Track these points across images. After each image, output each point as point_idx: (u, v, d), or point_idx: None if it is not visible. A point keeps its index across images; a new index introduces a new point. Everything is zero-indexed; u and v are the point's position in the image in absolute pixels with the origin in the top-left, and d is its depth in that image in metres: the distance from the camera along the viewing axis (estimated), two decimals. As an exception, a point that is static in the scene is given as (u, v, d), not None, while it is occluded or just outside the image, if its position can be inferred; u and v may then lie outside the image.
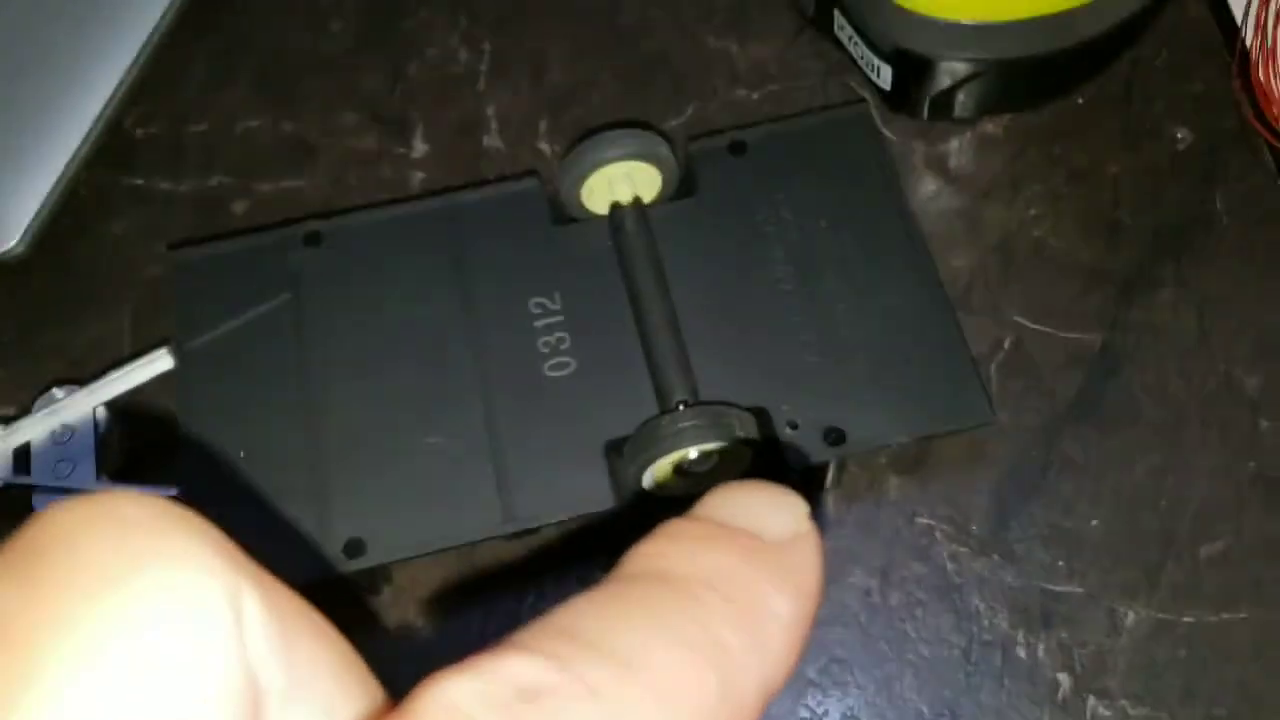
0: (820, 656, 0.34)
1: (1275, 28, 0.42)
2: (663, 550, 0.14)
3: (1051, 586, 0.35)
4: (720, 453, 0.33)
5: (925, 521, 0.36)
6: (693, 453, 0.32)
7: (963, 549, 0.35)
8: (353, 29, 0.45)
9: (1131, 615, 0.34)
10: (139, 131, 0.43)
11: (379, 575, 0.34)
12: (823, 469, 0.36)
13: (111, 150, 0.43)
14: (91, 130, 0.42)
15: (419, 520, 0.33)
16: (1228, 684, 0.33)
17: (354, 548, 0.32)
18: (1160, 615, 0.34)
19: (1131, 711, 0.33)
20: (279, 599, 0.11)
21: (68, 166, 0.41)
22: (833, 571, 0.35)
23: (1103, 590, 0.34)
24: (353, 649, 0.13)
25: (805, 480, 0.36)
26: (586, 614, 0.13)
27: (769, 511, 0.15)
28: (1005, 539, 0.35)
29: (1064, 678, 0.33)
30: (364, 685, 0.12)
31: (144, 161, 0.43)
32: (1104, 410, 0.37)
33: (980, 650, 0.34)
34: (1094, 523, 0.35)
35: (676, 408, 0.34)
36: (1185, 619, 0.34)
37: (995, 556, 0.35)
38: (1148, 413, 0.37)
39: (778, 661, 0.13)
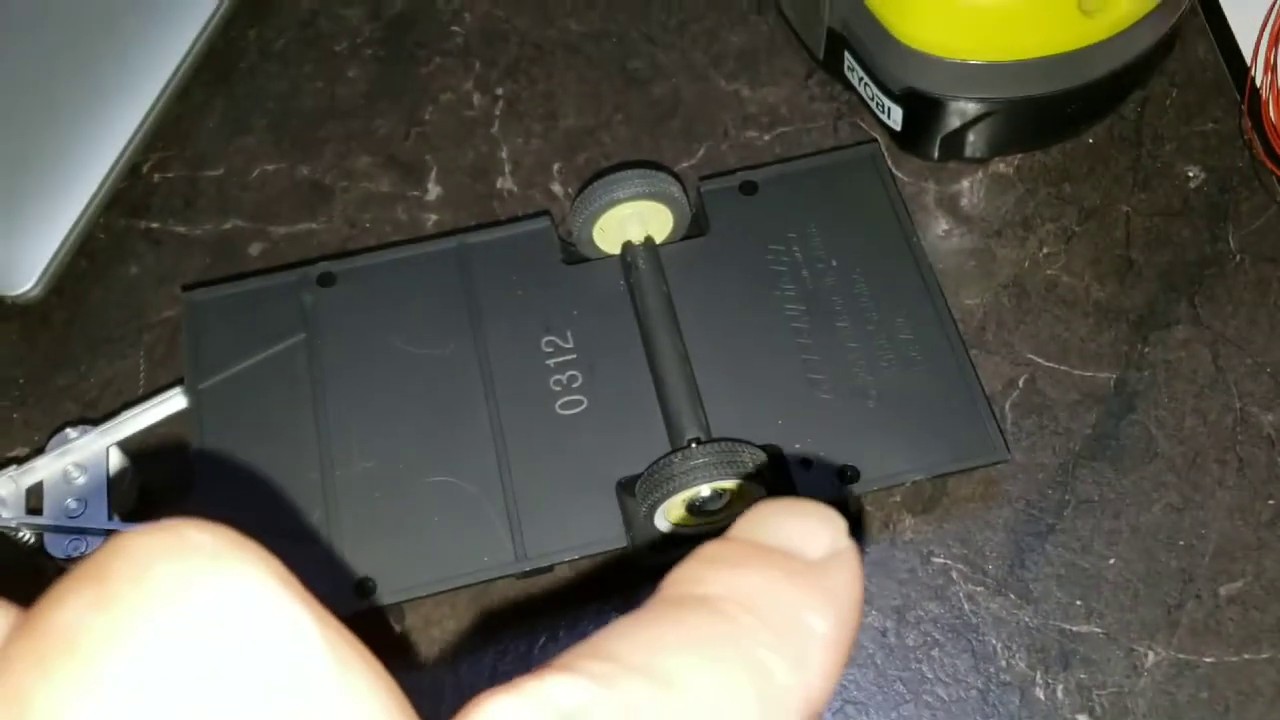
0: (835, 698, 0.33)
1: (1285, 67, 0.42)
2: (701, 574, 0.14)
3: (1069, 626, 0.34)
4: (733, 491, 0.33)
5: (941, 561, 0.35)
6: (705, 490, 0.32)
7: (979, 588, 0.35)
8: (368, 75, 0.46)
9: (1151, 655, 0.34)
10: (156, 176, 0.44)
11: (392, 615, 0.34)
12: (838, 508, 0.35)
13: (128, 195, 0.43)
14: (109, 175, 0.42)
15: (430, 559, 0.33)
16: (1251, 726, 0.33)
17: (365, 587, 0.32)
18: (1181, 655, 0.34)
19: (1153, 754, 0.32)
20: (333, 628, 0.12)
21: (85, 210, 0.42)
22: (847, 611, 0.35)
23: (1122, 630, 0.34)
24: (396, 683, 0.13)
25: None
26: (627, 636, 0.13)
27: (807, 530, 0.15)
28: (1022, 578, 0.35)
29: (1084, 719, 0.33)
30: (407, 714, 0.13)
31: (160, 206, 0.43)
32: (1120, 448, 0.37)
33: (998, 691, 0.33)
34: (1111, 561, 0.35)
35: (689, 446, 0.33)
36: (1206, 659, 0.33)
37: (1012, 596, 0.35)
38: (1164, 450, 0.36)
39: (819, 681, 0.13)
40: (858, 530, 0.36)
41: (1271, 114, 0.41)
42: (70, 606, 0.11)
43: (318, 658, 0.11)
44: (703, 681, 0.12)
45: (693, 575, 0.14)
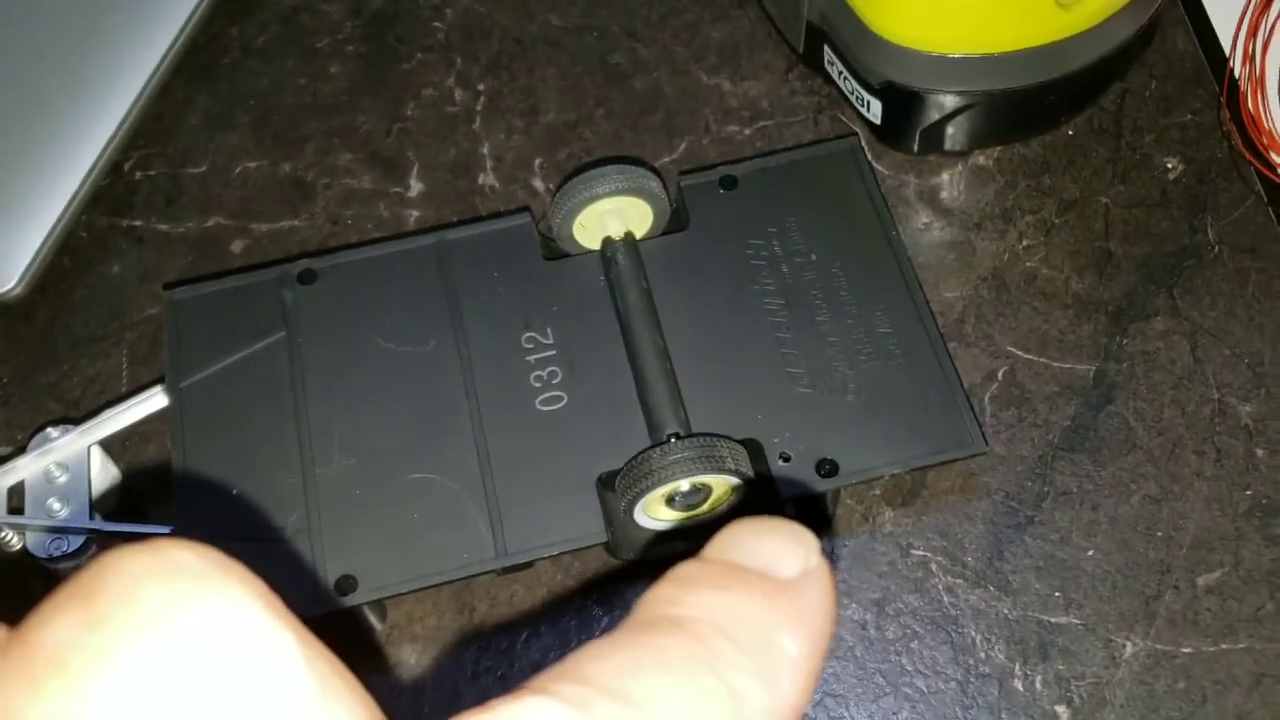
0: (816, 691, 0.34)
1: (1263, 57, 0.42)
2: (676, 596, 0.14)
3: (1048, 618, 0.34)
4: (712, 485, 0.33)
5: (920, 553, 0.35)
6: (684, 485, 0.32)
7: (958, 580, 0.35)
8: (350, 71, 0.46)
9: (1129, 646, 0.34)
10: (138, 174, 0.44)
11: (374, 611, 0.34)
12: (817, 501, 0.36)
13: (111, 193, 0.43)
14: (91, 173, 0.42)
15: (411, 555, 0.33)
16: (1227, 715, 0.33)
17: (345, 584, 0.32)
18: (1158, 646, 0.34)
19: (1131, 744, 0.33)
20: (315, 646, 0.12)
21: (67, 209, 0.42)
22: (827, 604, 0.35)
23: (1100, 621, 0.34)
24: (373, 700, 0.13)
25: (800, 512, 0.36)
26: (602, 659, 0.13)
27: (780, 549, 0.15)
28: (1001, 570, 0.35)
29: (1062, 710, 0.33)
30: None
31: (142, 204, 0.43)
32: (1098, 440, 0.37)
33: (977, 683, 0.34)
34: (1090, 553, 0.35)
35: (668, 440, 0.34)
36: (1184, 650, 0.34)
37: (991, 588, 0.35)
38: (1142, 442, 0.37)
39: (790, 702, 0.14)
40: (834, 525, 0.36)
41: (1250, 105, 0.41)
42: (60, 626, 0.11)
43: (299, 678, 0.12)
44: (676, 705, 0.13)
45: (668, 596, 0.14)
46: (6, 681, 0.11)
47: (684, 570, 0.15)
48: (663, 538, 0.34)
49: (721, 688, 0.13)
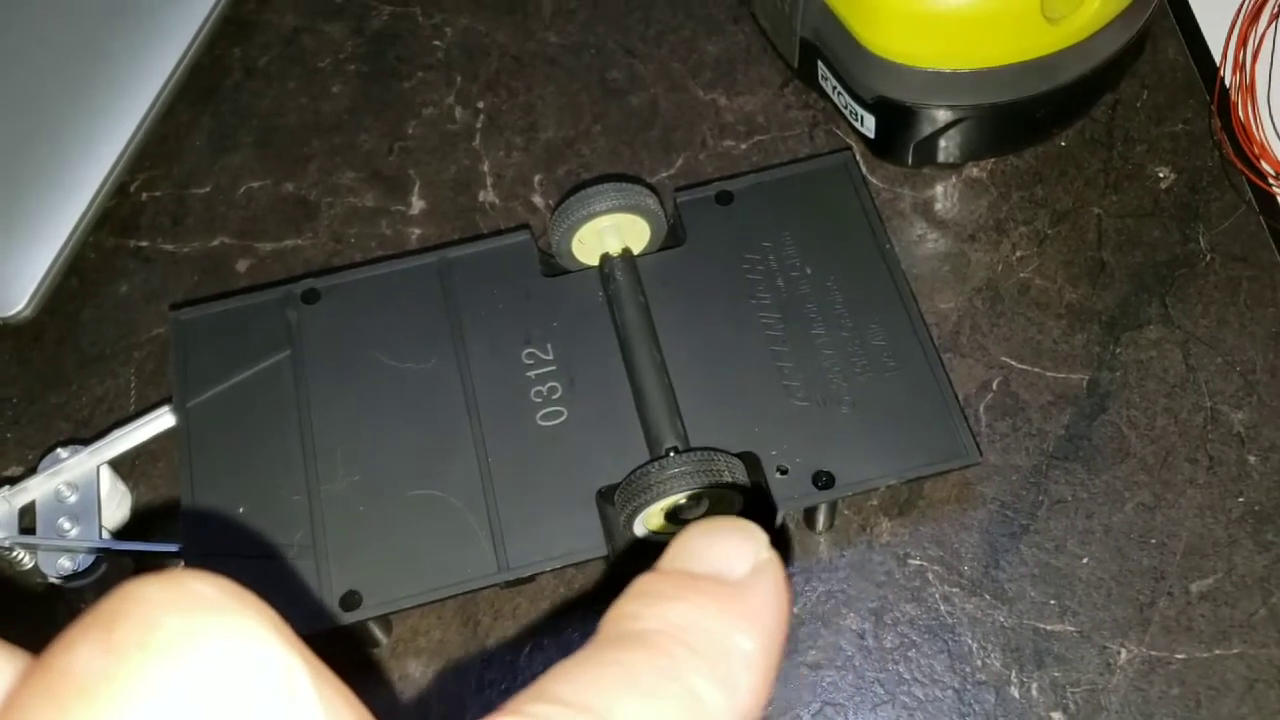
0: (814, 700, 0.34)
1: (1254, 66, 0.42)
2: (636, 610, 0.15)
3: (1044, 625, 0.35)
4: (710, 498, 0.33)
5: (917, 563, 0.36)
6: (683, 499, 0.33)
7: (955, 589, 0.35)
8: (351, 90, 0.46)
9: (1124, 653, 0.34)
10: (144, 195, 0.44)
11: (379, 626, 0.35)
12: (814, 512, 0.36)
13: (117, 214, 0.44)
14: (97, 195, 0.43)
15: (415, 571, 0.33)
16: (1221, 720, 0.33)
17: (351, 599, 0.33)
18: (1153, 653, 0.34)
19: (1126, 749, 0.33)
20: (324, 676, 0.13)
21: (74, 231, 0.42)
22: (826, 614, 0.35)
23: (1095, 628, 0.35)
24: None
25: (799, 523, 0.36)
26: (569, 679, 0.14)
27: (728, 549, 0.16)
28: (997, 578, 0.35)
29: (1058, 717, 0.34)
30: None
31: (148, 224, 0.44)
32: (1092, 448, 0.37)
33: (974, 691, 0.34)
34: (1085, 561, 0.36)
35: (667, 454, 0.34)
36: (1178, 656, 0.34)
37: (987, 596, 0.35)
38: (1136, 450, 0.37)
39: (748, 697, 0.15)
40: (836, 533, 0.36)
41: (1240, 114, 0.42)
42: (84, 654, 0.12)
43: (309, 707, 0.12)
44: (640, 713, 0.14)
45: (629, 612, 0.15)
46: (34, 709, 0.11)
47: (641, 584, 0.16)
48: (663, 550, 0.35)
49: (683, 695, 0.14)
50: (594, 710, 0.13)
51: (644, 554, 0.35)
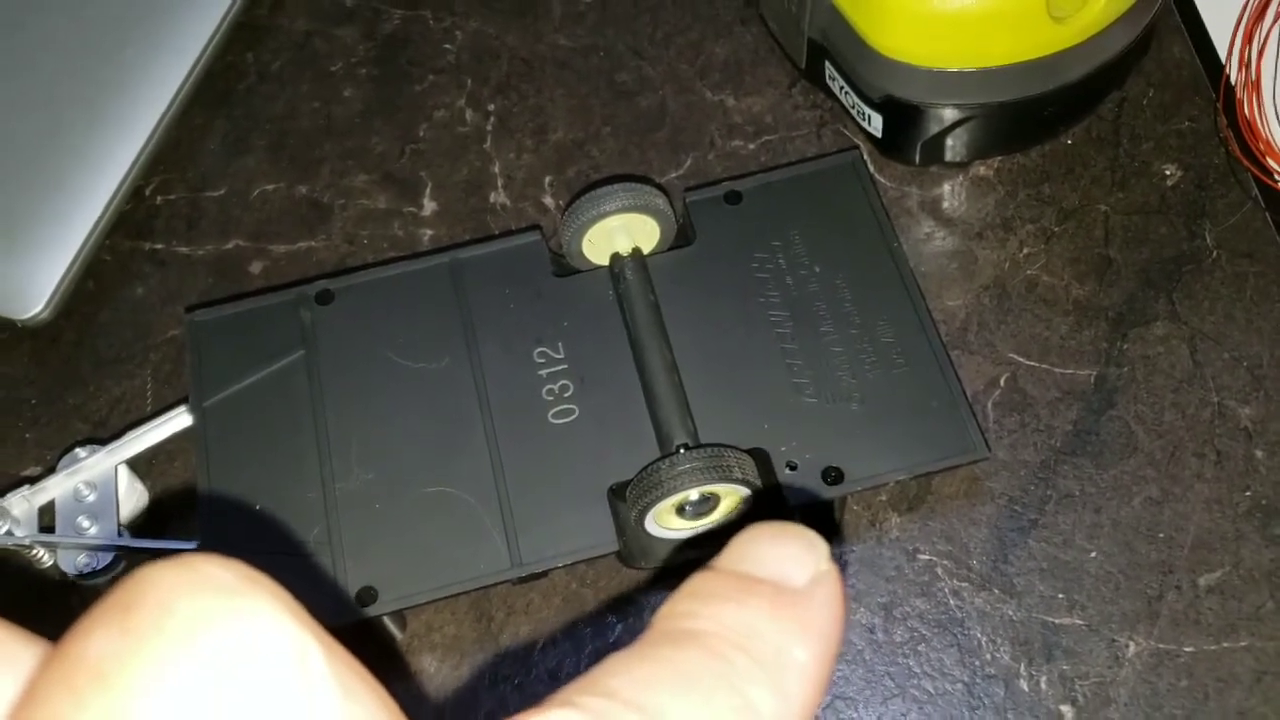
0: (825, 695, 0.34)
1: (1259, 64, 0.43)
2: (692, 609, 0.15)
3: (1052, 619, 0.35)
4: (720, 494, 0.34)
5: (926, 558, 0.36)
6: (693, 494, 0.33)
7: (964, 584, 0.36)
8: (363, 94, 0.47)
9: (1132, 646, 0.34)
10: (158, 199, 0.45)
11: (394, 621, 0.35)
12: (825, 508, 0.36)
13: (132, 218, 0.44)
14: (113, 199, 0.43)
15: (429, 567, 0.34)
16: (1229, 713, 0.33)
17: (366, 595, 0.33)
18: (1161, 645, 0.34)
19: (1135, 741, 0.33)
20: (340, 656, 0.13)
21: (91, 234, 0.43)
22: (836, 609, 0.36)
23: (1103, 622, 0.35)
24: (396, 704, 0.14)
25: (807, 518, 0.37)
26: (623, 673, 0.14)
27: (789, 556, 0.16)
28: (1006, 573, 0.36)
29: (1067, 709, 0.34)
30: None
31: (163, 227, 0.44)
32: (1100, 443, 0.37)
33: (984, 684, 0.34)
34: (1093, 554, 0.36)
35: (677, 451, 0.34)
36: (1186, 649, 0.34)
37: (996, 590, 0.36)
38: (1143, 445, 0.37)
39: (799, 710, 0.14)
40: (842, 531, 0.37)
41: (1246, 111, 0.42)
42: (100, 639, 0.12)
43: (324, 684, 0.12)
44: (692, 717, 0.13)
45: (683, 610, 0.15)
46: (51, 694, 0.12)
47: (698, 582, 0.15)
48: (674, 546, 0.35)
49: (736, 699, 0.14)
50: (646, 709, 0.13)
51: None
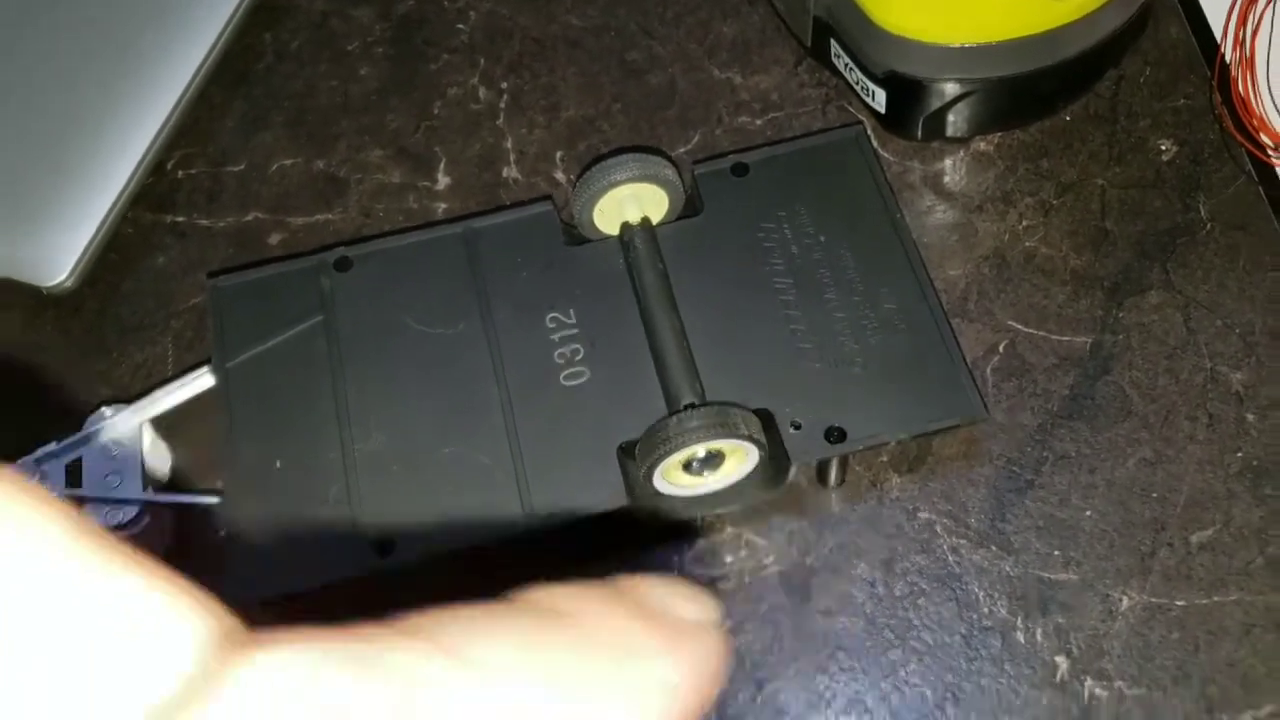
0: (827, 644, 0.36)
1: (1253, 42, 0.44)
2: (563, 591, 0.15)
3: (1048, 575, 0.36)
4: (726, 451, 0.35)
5: (926, 516, 0.37)
6: (700, 450, 0.34)
7: (963, 541, 0.37)
8: (379, 73, 0.48)
9: (1126, 600, 0.36)
10: (180, 173, 0.46)
11: (407, 587, 0.36)
12: (826, 468, 0.37)
13: (154, 191, 0.46)
14: (135, 173, 0.45)
15: (444, 521, 0.35)
16: (1219, 664, 0.34)
17: (384, 546, 0.34)
18: (1153, 600, 0.35)
19: (1127, 692, 0.34)
20: (87, 526, 0.13)
21: (113, 207, 0.44)
22: (838, 565, 0.37)
23: (1097, 577, 0.36)
24: (175, 576, 0.13)
25: (812, 480, 0.38)
26: (457, 624, 0.14)
27: (683, 597, 0.16)
28: (1003, 530, 0.37)
29: (1061, 660, 0.35)
30: (203, 606, 0.13)
31: (184, 200, 0.45)
32: (1096, 407, 0.39)
33: (981, 636, 0.35)
34: (1088, 513, 0.37)
35: (684, 410, 0.36)
36: (1177, 603, 0.35)
37: (994, 547, 0.37)
38: (1138, 409, 0.38)
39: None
40: (848, 489, 0.38)
41: (1240, 89, 0.43)
42: None
43: (63, 552, 0.12)
44: (510, 664, 0.13)
45: (554, 590, 0.15)
46: None
47: (583, 584, 0.15)
48: (680, 504, 0.36)
49: (584, 672, 0.13)
50: (464, 656, 0.13)
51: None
